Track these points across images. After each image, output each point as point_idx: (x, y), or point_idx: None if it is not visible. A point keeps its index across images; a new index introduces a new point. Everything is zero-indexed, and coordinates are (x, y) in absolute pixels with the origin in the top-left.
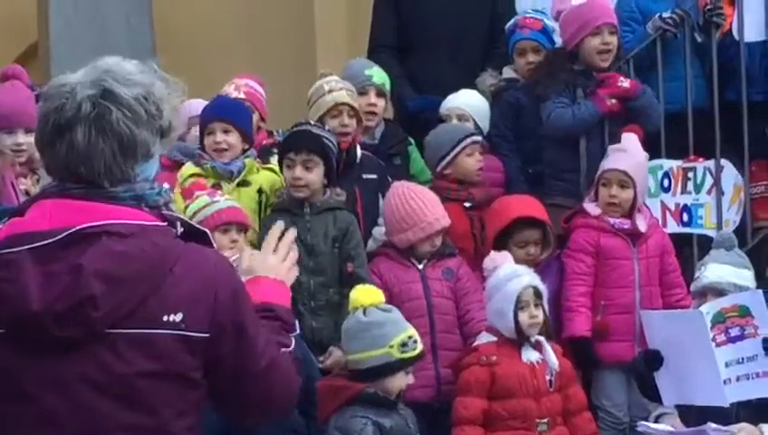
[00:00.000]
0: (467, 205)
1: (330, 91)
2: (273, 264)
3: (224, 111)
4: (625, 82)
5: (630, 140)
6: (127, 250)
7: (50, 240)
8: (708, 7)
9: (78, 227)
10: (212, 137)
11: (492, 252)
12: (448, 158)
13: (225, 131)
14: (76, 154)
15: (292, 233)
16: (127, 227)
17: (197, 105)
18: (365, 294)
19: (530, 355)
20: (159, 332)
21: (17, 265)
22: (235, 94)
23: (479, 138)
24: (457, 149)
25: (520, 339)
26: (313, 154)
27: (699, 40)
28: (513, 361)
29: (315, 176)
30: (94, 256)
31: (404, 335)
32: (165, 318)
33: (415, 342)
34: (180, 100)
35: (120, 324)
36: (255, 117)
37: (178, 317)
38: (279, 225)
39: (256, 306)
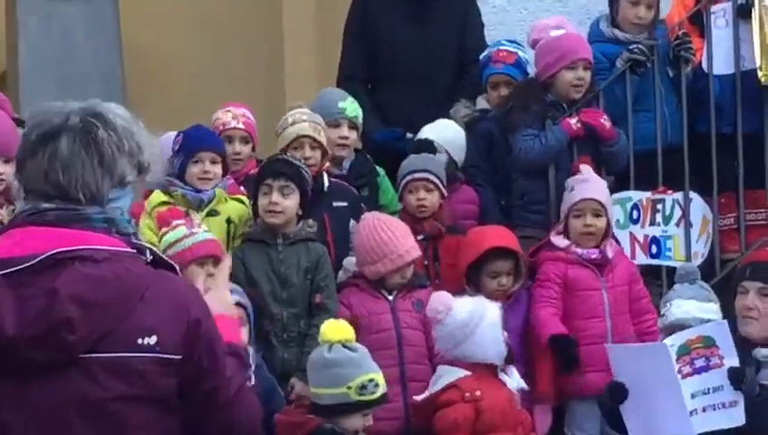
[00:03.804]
0: (420, 237)
1: (292, 124)
2: (228, 301)
3: (214, 142)
4: (606, 123)
5: (590, 171)
6: (100, 274)
7: (23, 265)
8: (677, 42)
9: (51, 252)
10: (199, 165)
11: (433, 295)
12: (399, 193)
13: (213, 162)
14: (58, 162)
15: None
16: (99, 253)
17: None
18: (334, 330)
19: (510, 383)
20: (135, 355)
21: None
22: (233, 124)
23: (424, 174)
24: (401, 185)
25: (508, 360)
26: (291, 181)
27: (670, 74)
28: (494, 394)
29: (291, 203)
30: (68, 280)
31: (364, 378)
32: (139, 341)
33: (376, 386)
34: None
35: (95, 349)
36: (249, 148)
37: (153, 340)
38: (228, 261)
39: None
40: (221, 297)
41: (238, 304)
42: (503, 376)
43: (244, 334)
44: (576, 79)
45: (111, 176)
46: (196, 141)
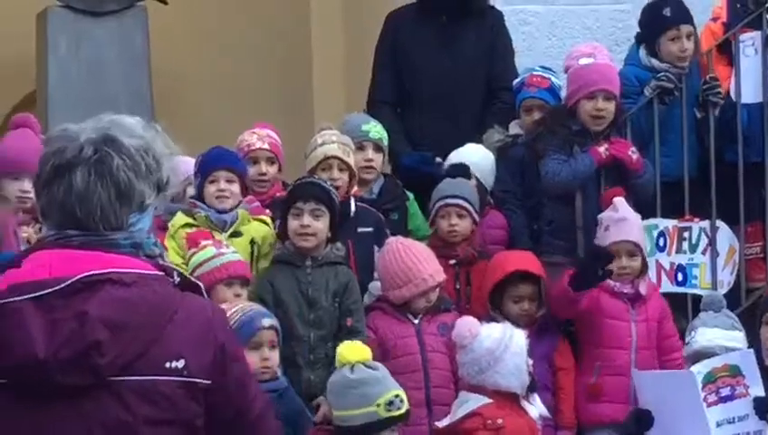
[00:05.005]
0: (452, 262)
1: (321, 144)
2: None
3: (228, 161)
4: (634, 155)
5: (625, 206)
6: (130, 298)
7: (53, 288)
8: (705, 87)
9: (81, 276)
10: (215, 185)
11: (460, 319)
12: (430, 217)
13: (229, 181)
14: (74, 196)
15: None
16: (128, 276)
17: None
18: (352, 351)
19: (533, 411)
20: (162, 379)
21: (21, 314)
22: (259, 145)
23: (457, 200)
24: (433, 210)
25: (532, 388)
26: (321, 204)
27: (698, 116)
28: (516, 421)
29: (322, 226)
30: (98, 303)
31: (390, 394)
32: (167, 365)
33: (401, 401)
34: (176, 160)
35: (124, 372)
36: (275, 168)
37: (180, 364)
38: None
39: None
40: None
41: (271, 328)
42: (525, 404)
43: (275, 357)
44: (594, 109)
45: (130, 203)
46: (210, 161)
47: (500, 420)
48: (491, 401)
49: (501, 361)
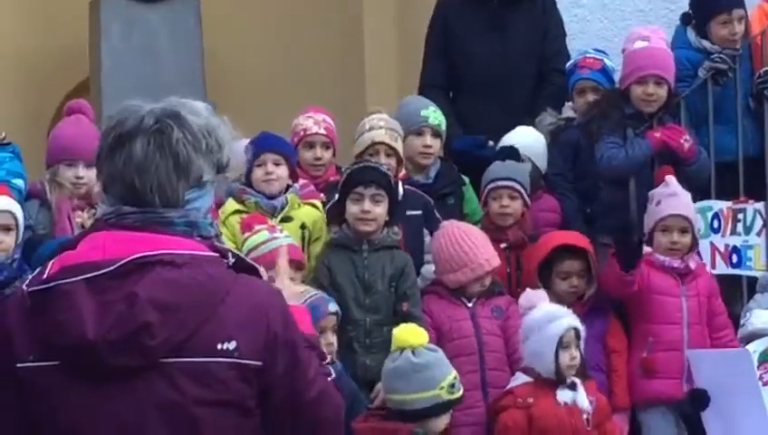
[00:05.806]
0: (503, 245)
1: (369, 130)
2: (295, 291)
3: (275, 144)
4: (686, 143)
5: (675, 183)
6: (181, 279)
7: (104, 270)
8: (759, 80)
9: (132, 257)
10: (263, 168)
11: (527, 290)
12: (482, 200)
13: (276, 163)
14: (133, 165)
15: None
16: (180, 257)
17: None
18: (412, 335)
19: (565, 396)
20: (214, 360)
21: (72, 295)
22: (315, 129)
23: (508, 182)
24: (485, 192)
25: (557, 379)
26: (381, 188)
27: (752, 106)
28: (550, 401)
29: (382, 210)
30: (149, 284)
31: (451, 377)
32: (219, 347)
33: (459, 383)
34: (238, 144)
35: (175, 354)
36: (330, 153)
37: (232, 345)
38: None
39: None
40: (288, 289)
41: (335, 314)
42: (559, 391)
43: (335, 342)
44: (645, 94)
45: (188, 177)
46: (258, 145)
47: (530, 400)
48: (531, 380)
49: (527, 339)
